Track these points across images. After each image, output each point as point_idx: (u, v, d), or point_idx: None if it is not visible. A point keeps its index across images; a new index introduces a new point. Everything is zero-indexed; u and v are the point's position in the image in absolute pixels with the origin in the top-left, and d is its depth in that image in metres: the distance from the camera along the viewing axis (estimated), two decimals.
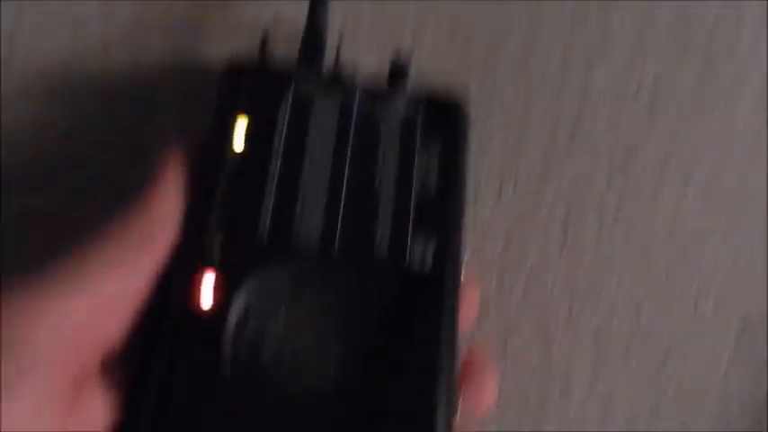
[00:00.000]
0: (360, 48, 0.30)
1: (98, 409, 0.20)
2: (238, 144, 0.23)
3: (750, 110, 0.31)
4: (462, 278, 0.24)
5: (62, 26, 0.30)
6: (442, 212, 0.24)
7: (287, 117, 0.24)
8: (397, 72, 0.26)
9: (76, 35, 0.30)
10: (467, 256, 0.24)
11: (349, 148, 0.24)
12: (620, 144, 0.31)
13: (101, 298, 0.20)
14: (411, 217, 0.23)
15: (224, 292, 0.21)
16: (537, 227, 0.30)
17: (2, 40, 0.29)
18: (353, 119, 0.24)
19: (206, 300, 0.21)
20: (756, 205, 0.31)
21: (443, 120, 0.25)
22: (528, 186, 0.30)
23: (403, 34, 0.31)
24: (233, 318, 0.21)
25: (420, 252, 0.23)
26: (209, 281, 0.22)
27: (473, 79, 0.30)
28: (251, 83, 0.25)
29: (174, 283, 0.21)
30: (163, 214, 0.22)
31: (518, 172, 0.30)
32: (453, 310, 0.23)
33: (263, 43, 0.28)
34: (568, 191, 0.30)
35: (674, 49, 0.31)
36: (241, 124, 0.24)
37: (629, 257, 0.31)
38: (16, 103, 0.29)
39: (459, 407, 0.22)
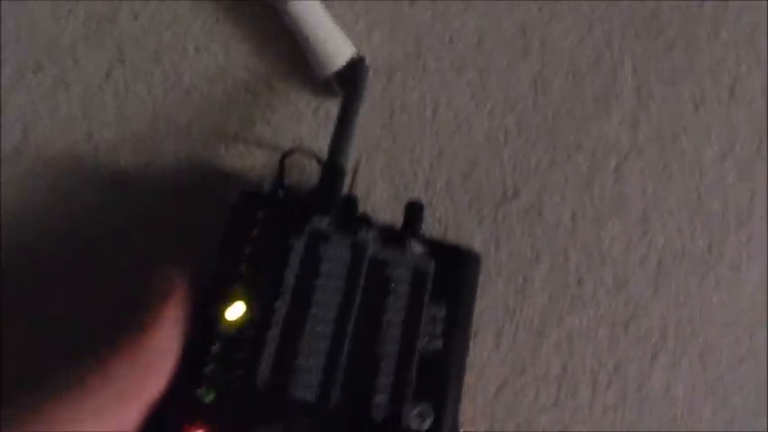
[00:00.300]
0: (374, 184, 0.30)
1: None
2: (244, 290, 0.23)
3: (755, 288, 0.31)
4: None
5: (76, 121, 0.30)
6: (443, 375, 0.23)
7: (299, 258, 0.24)
8: (412, 215, 0.26)
9: (91, 131, 0.30)
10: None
11: (358, 295, 0.24)
12: (622, 306, 0.30)
13: None
14: (412, 381, 0.23)
15: None
16: (532, 378, 0.30)
17: (15, 130, 0.29)
18: (365, 263, 0.24)
19: None
20: (752, 378, 0.31)
21: (455, 270, 0.25)
22: (527, 336, 0.30)
23: (418, 174, 0.31)
24: None
25: (417, 417, 0.22)
26: None
27: (484, 223, 0.30)
28: (263, 216, 0.24)
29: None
30: (157, 358, 0.21)
31: (519, 321, 0.30)
32: None
33: (281, 170, 0.27)
34: (567, 346, 0.30)
35: (687, 215, 0.31)
36: (249, 264, 0.23)
37: (622, 417, 0.30)
38: (22, 191, 0.29)
39: None
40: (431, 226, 0.30)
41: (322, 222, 0.24)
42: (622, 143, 0.31)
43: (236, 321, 0.23)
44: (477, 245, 0.30)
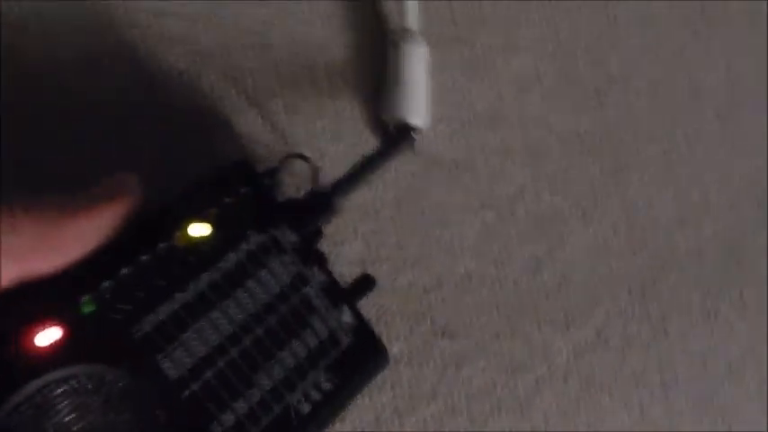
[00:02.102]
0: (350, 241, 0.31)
1: None
2: (187, 236, 0.22)
3: None
4: None
5: None
6: None
7: (245, 251, 0.23)
8: (362, 286, 0.26)
9: None
10: None
11: (273, 318, 0.23)
12: None
13: None
14: (262, 424, 0.22)
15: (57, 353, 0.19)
16: None
17: None
18: (297, 297, 0.23)
19: (39, 343, 0.19)
20: None
21: (362, 359, 0.24)
22: None
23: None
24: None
25: None
26: (56, 333, 0.19)
27: None
28: (244, 193, 0.23)
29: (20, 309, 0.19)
30: (65, 240, 0.20)
31: None
32: None
33: (279, 166, 0.27)
34: None
35: None
36: (204, 226, 0.23)
37: None
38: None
39: None
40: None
41: (287, 235, 0.24)
42: None
43: (193, 238, 0.22)
44: None
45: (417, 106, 0.30)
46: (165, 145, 0.29)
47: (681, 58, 0.36)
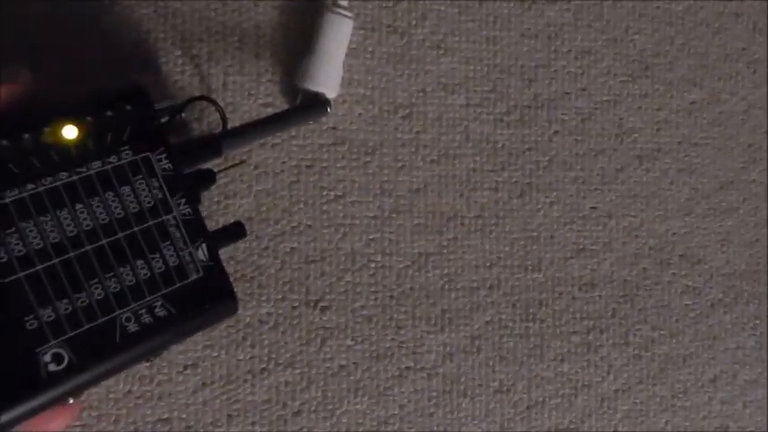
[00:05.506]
0: (246, 197, 0.31)
1: None
2: (54, 134, 0.23)
3: None
4: None
5: None
6: (109, 348, 0.23)
7: (111, 165, 0.23)
8: (233, 232, 0.27)
9: None
10: None
11: (121, 233, 0.23)
12: None
13: None
14: (83, 331, 0.22)
15: None
16: None
17: None
18: (153, 221, 0.24)
19: None
20: None
21: (210, 296, 0.25)
22: None
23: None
24: None
25: (54, 356, 0.22)
26: None
27: None
28: (129, 113, 0.24)
29: None
30: None
31: None
32: None
33: (183, 104, 0.27)
34: None
35: None
36: (72, 129, 0.23)
37: None
38: None
39: None
40: None
41: (162, 163, 0.24)
42: None
43: (59, 138, 0.23)
44: None
45: (331, 78, 0.30)
46: (84, 66, 0.29)
47: (612, 99, 0.37)
